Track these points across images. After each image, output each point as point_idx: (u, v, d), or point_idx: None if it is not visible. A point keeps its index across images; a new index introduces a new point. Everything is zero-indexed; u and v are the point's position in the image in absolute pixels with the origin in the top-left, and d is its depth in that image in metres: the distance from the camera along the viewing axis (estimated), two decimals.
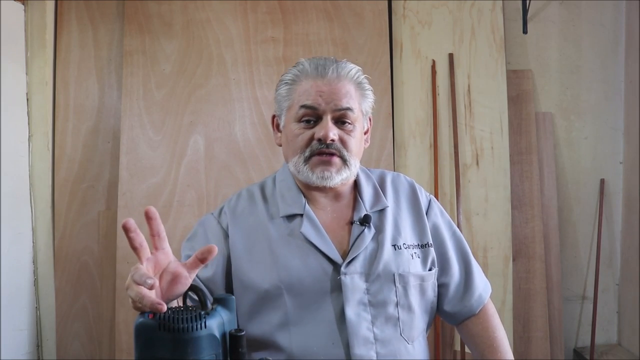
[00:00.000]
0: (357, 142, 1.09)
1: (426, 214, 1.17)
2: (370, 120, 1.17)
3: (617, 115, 2.71)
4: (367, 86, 1.12)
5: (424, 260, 1.12)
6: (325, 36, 2.44)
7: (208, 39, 2.41)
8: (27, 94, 2.37)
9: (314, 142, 1.05)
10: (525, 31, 2.60)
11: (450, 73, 2.51)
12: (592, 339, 2.58)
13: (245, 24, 2.43)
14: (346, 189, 1.13)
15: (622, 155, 2.71)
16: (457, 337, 2.43)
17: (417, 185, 1.21)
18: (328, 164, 1.05)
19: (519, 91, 2.62)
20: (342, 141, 1.06)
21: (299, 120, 1.07)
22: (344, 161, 1.06)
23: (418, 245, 1.12)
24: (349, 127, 1.07)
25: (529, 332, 2.51)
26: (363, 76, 1.11)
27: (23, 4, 2.35)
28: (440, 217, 1.19)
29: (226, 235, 1.10)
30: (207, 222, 1.14)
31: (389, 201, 1.14)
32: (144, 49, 2.40)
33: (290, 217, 1.09)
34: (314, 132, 1.05)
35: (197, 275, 1.05)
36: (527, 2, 2.57)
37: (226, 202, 1.17)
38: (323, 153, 1.05)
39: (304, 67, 1.08)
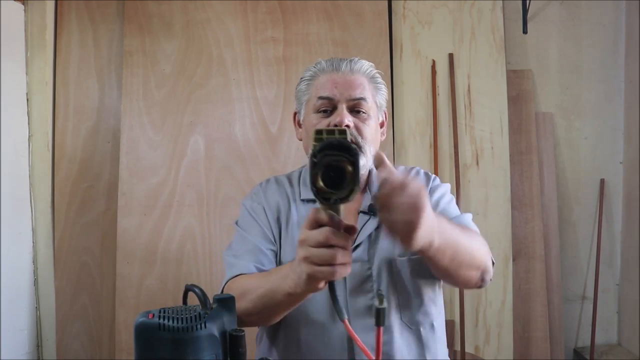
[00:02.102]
0: (372, 130, 1.15)
1: (430, 191, 1.19)
2: (385, 114, 1.24)
3: (617, 115, 2.70)
4: (380, 80, 1.20)
5: None
6: (325, 36, 2.43)
7: (208, 39, 2.41)
8: (27, 94, 2.37)
9: None
10: (525, 31, 2.60)
11: (450, 73, 2.51)
12: (592, 339, 2.58)
13: (245, 24, 2.43)
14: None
15: (622, 155, 2.71)
16: (457, 337, 2.42)
17: (432, 177, 1.24)
18: None
19: (519, 91, 2.61)
20: (358, 128, 1.12)
21: (317, 111, 1.15)
22: (359, 147, 1.11)
23: None
24: (364, 115, 1.14)
25: (529, 332, 2.50)
26: (375, 71, 1.20)
27: (23, 4, 2.35)
28: (443, 196, 1.22)
29: (265, 210, 1.21)
30: (248, 205, 1.23)
31: None
32: (144, 49, 2.39)
33: (310, 201, 1.18)
34: (330, 120, 1.13)
35: (270, 248, 1.15)
36: (527, 2, 2.57)
37: (257, 186, 1.27)
38: None
39: (321, 65, 1.19)
